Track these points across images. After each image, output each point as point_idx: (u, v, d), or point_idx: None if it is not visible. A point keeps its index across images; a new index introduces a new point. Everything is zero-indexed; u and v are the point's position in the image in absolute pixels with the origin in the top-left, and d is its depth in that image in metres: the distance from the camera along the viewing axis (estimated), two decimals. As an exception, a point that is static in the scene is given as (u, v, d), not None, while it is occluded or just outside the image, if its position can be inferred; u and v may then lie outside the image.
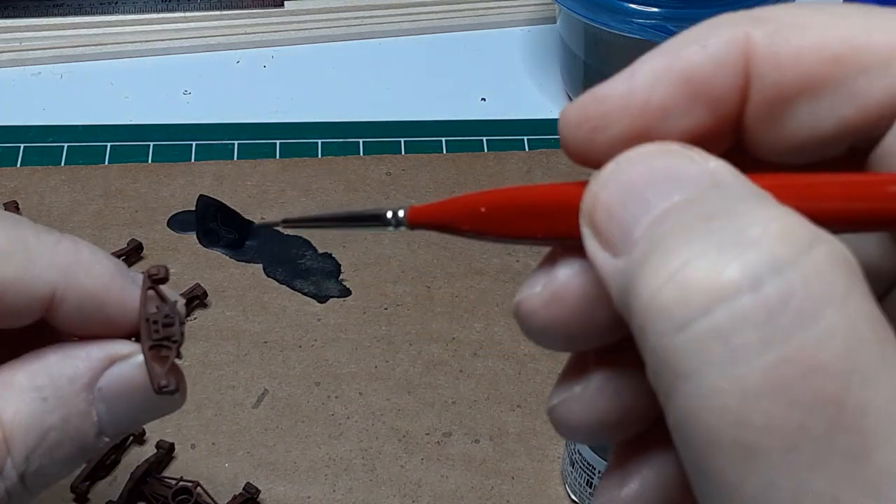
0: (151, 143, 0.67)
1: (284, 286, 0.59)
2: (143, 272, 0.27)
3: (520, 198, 0.23)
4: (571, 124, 0.22)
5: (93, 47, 0.73)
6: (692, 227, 0.19)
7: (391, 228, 0.24)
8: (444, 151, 0.67)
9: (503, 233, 0.23)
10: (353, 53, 0.74)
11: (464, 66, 0.74)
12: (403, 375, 0.55)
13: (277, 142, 0.68)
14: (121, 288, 0.26)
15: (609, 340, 0.23)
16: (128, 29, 0.74)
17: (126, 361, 0.26)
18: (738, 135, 0.22)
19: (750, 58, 0.21)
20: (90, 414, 0.26)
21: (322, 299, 0.58)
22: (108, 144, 0.67)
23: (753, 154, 0.23)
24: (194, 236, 0.61)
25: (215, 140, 0.68)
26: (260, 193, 0.64)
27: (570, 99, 0.71)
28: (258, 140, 0.68)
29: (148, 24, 0.74)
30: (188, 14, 0.75)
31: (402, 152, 0.67)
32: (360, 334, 0.57)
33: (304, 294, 0.59)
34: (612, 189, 0.21)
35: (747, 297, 0.17)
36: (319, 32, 0.75)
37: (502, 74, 0.73)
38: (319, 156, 0.67)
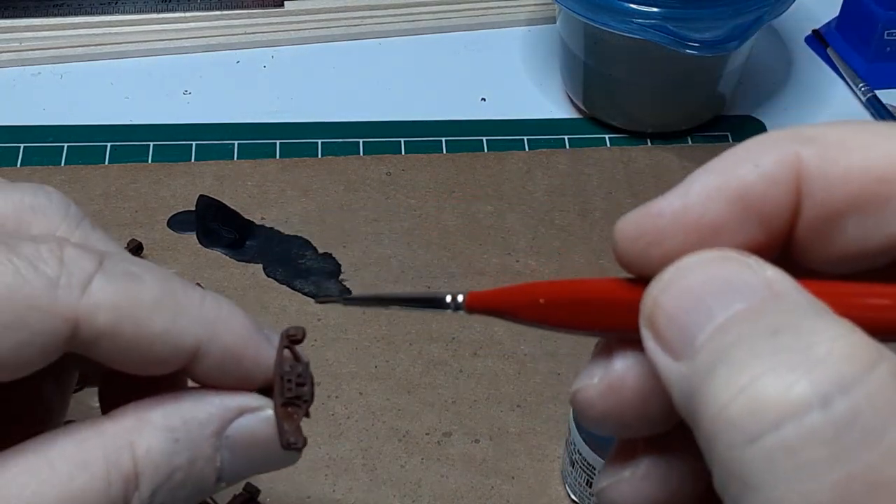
0: (151, 143, 0.67)
1: (284, 286, 0.59)
2: (281, 332, 0.28)
3: (578, 292, 0.24)
4: (627, 238, 0.23)
5: (93, 47, 0.73)
6: (758, 340, 0.20)
7: (450, 311, 0.26)
8: (444, 151, 0.67)
9: (561, 324, 0.24)
10: (353, 53, 0.74)
11: (464, 66, 0.74)
12: (403, 375, 0.55)
13: (277, 142, 0.68)
14: (257, 345, 0.27)
15: (662, 430, 0.24)
16: (128, 29, 0.74)
17: (255, 414, 0.27)
18: (787, 246, 0.23)
19: (800, 177, 0.22)
20: (214, 459, 0.27)
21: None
22: (109, 144, 0.67)
23: (801, 264, 0.24)
24: (194, 236, 0.61)
25: (215, 140, 0.68)
26: (260, 193, 0.64)
27: (571, 99, 0.71)
28: (258, 140, 0.68)
29: (148, 25, 0.74)
30: (188, 14, 0.75)
31: (402, 152, 0.67)
32: (360, 334, 0.57)
33: (304, 294, 0.59)
34: (672, 294, 0.22)
35: (816, 414, 0.18)
36: (319, 32, 0.75)
37: (502, 74, 0.73)
38: (319, 156, 0.67)
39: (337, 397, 0.54)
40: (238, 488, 0.50)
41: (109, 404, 0.28)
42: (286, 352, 0.28)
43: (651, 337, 0.22)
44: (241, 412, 0.27)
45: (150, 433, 0.26)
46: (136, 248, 0.60)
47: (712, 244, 0.22)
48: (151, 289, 0.26)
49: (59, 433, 0.25)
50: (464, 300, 0.25)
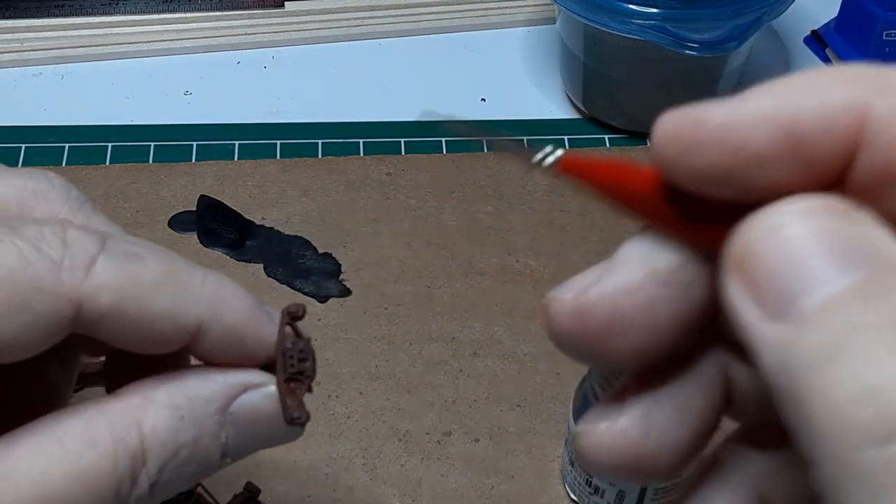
0: (152, 144, 0.67)
1: (285, 286, 0.59)
2: (281, 309, 0.28)
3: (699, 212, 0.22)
4: (662, 139, 0.22)
5: (94, 48, 0.73)
6: (889, 332, 0.18)
7: (536, 166, 0.24)
8: (444, 151, 0.67)
9: (660, 222, 0.23)
10: (354, 54, 0.75)
11: (464, 66, 0.74)
12: (403, 375, 0.55)
13: (278, 142, 0.68)
14: (258, 322, 0.27)
15: (614, 369, 0.23)
16: (129, 29, 0.74)
17: (258, 390, 0.27)
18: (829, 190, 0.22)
19: (864, 127, 0.20)
20: (219, 436, 0.27)
21: (322, 299, 0.59)
22: (110, 145, 0.67)
23: None
24: (195, 236, 0.61)
25: (216, 140, 0.68)
26: (260, 194, 0.64)
27: (570, 99, 0.71)
28: (259, 140, 0.68)
29: (149, 25, 0.75)
30: (189, 15, 0.75)
31: (402, 152, 0.67)
32: (360, 334, 0.57)
33: (304, 294, 0.59)
34: (772, 245, 0.20)
35: None
36: (320, 33, 0.75)
37: (502, 75, 0.73)
38: (320, 156, 0.67)
39: (337, 397, 0.54)
40: (238, 487, 0.50)
41: (113, 383, 0.28)
42: (287, 328, 0.28)
43: (741, 285, 0.20)
44: (245, 388, 0.27)
45: (155, 411, 0.26)
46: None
47: (747, 173, 0.20)
48: (154, 269, 0.26)
49: (66, 413, 0.26)
50: (555, 161, 0.24)
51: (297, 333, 0.28)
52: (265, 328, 0.28)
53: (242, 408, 0.27)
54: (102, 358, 0.31)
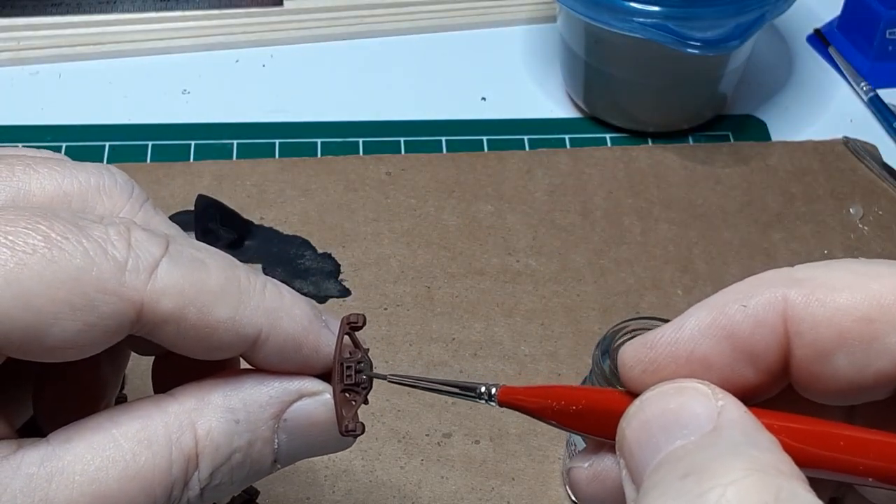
0: (150, 143, 0.67)
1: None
2: (341, 318, 0.29)
3: (604, 402, 0.25)
4: (626, 365, 0.25)
5: (91, 46, 0.73)
6: (671, 484, 0.21)
7: (483, 402, 0.27)
8: (444, 151, 0.67)
9: (584, 430, 0.26)
10: (353, 53, 0.74)
11: (464, 65, 0.74)
12: (403, 376, 0.55)
13: (277, 141, 0.67)
14: (317, 333, 0.28)
15: None
16: (126, 28, 0.74)
17: (313, 398, 0.28)
18: (789, 381, 0.25)
19: (788, 318, 0.24)
20: (272, 442, 0.27)
21: (321, 300, 0.58)
22: (107, 144, 0.67)
23: (805, 396, 0.25)
24: (193, 236, 0.61)
25: (214, 140, 0.67)
26: (259, 193, 0.63)
27: (571, 98, 0.71)
28: (257, 140, 0.67)
29: (146, 24, 0.74)
30: (187, 13, 0.75)
31: (402, 152, 0.67)
32: (360, 334, 0.57)
33: (304, 294, 0.58)
34: (633, 427, 0.23)
35: None
36: (319, 31, 0.75)
37: (502, 74, 0.73)
38: (319, 155, 0.66)
39: (336, 398, 0.54)
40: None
41: (161, 381, 0.28)
42: (346, 338, 0.28)
43: (623, 465, 0.23)
44: (301, 396, 0.27)
45: (211, 414, 0.26)
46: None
47: (702, 377, 0.24)
48: (216, 275, 0.26)
49: (121, 411, 0.26)
50: (496, 393, 0.27)
51: (356, 344, 0.28)
52: (323, 338, 0.28)
53: (297, 415, 0.27)
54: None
